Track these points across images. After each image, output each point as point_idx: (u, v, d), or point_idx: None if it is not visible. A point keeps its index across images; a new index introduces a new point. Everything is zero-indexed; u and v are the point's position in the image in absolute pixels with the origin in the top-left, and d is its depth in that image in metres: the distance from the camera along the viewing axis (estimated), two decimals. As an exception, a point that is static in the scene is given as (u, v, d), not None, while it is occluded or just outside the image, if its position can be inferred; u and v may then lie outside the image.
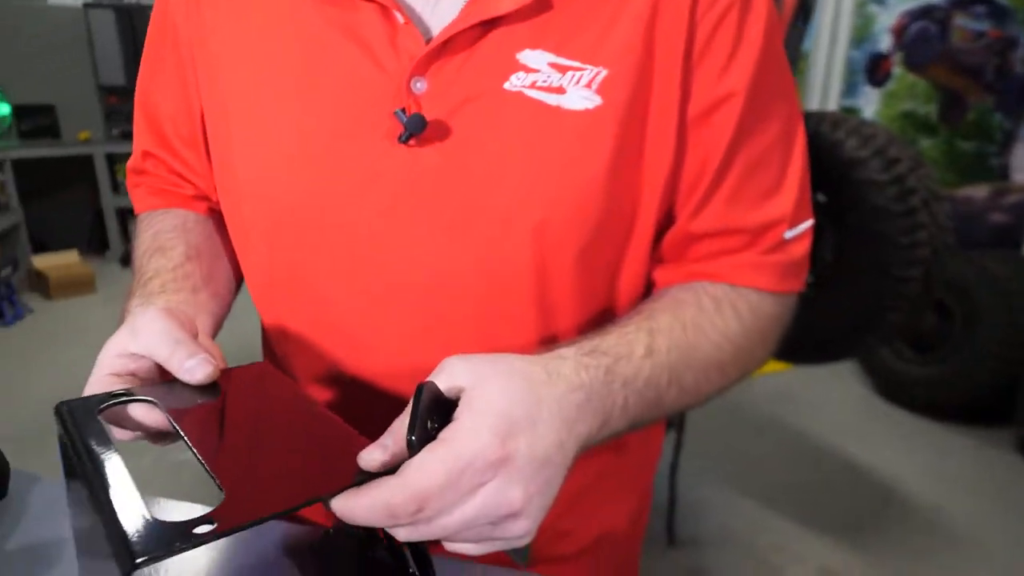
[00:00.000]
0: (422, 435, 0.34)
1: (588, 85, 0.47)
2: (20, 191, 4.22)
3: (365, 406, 0.53)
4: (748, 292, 0.54)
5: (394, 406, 0.53)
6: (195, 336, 0.45)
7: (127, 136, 4.70)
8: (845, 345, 1.70)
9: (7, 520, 0.56)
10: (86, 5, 4.57)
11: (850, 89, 3.31)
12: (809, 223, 0.55)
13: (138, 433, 0.43)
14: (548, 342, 0.53)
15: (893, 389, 2.73)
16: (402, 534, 0.34)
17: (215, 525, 0.30)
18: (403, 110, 0.47)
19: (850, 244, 1.61)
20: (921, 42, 3.07)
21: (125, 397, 0.41)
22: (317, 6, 0.50)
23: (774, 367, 2.95)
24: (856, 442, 2.45)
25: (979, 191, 2.92)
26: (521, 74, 0.47)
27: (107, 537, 0.30)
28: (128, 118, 4.80)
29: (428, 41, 0.48)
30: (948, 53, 2.97)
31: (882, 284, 1.57)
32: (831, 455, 2.39)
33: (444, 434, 0.34)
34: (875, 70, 3.27)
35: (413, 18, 0.49)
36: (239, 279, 0.65)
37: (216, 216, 0.66)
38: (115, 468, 0.34)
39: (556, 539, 0.62)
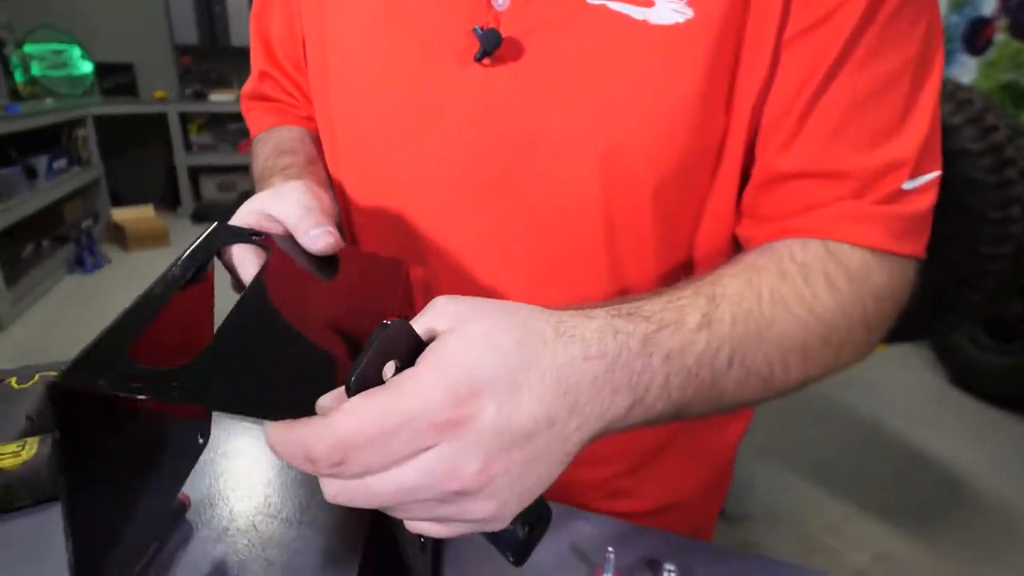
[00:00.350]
0: (367, 378, 0.28)
1: None
2: (100, 147, 4.43)
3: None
4: (849, 255, 0.44)
5: None
6: (329, 215, 0.46)
7: (199, 96, 4.87)
8: (918, 324, 1.62)
9: None
10: (164, -34, 4.71)
11: (945, 58, 3.09)
12: (936, 174, 0.46)
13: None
14: (620, 294, 0.51)
15: (968, 377, 2.61)
16: (330, 491, 0.28)
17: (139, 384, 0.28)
18: (481, 27, 0.46)
19: (936, 216, 1.52)
20: (1031, 6, 2.84)
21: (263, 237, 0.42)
22: None
23: (839, 349, 2.87)
24: (924, 430, 2.37)
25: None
26: None
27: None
28: (201, 79, 4.98)
29: None
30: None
31: (967, 260, 1.50)
32: (896, 442, 2.32)
33: (392, 380, 0.28)
34: (975, 37, 3.05)
35: None
36: None
37: None
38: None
39: (614, 495, 0.62)
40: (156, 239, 4.18)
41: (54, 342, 2.83)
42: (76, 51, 4.60)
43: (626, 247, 0.50)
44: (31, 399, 0.57)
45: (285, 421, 0.28)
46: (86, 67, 4.65)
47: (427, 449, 0.27)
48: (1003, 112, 1.54)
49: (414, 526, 0.31)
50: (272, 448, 0.28)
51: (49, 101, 4.16)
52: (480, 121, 0.49)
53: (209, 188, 5.11)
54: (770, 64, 0.44)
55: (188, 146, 4.91)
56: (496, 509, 0.29)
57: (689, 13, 0.42)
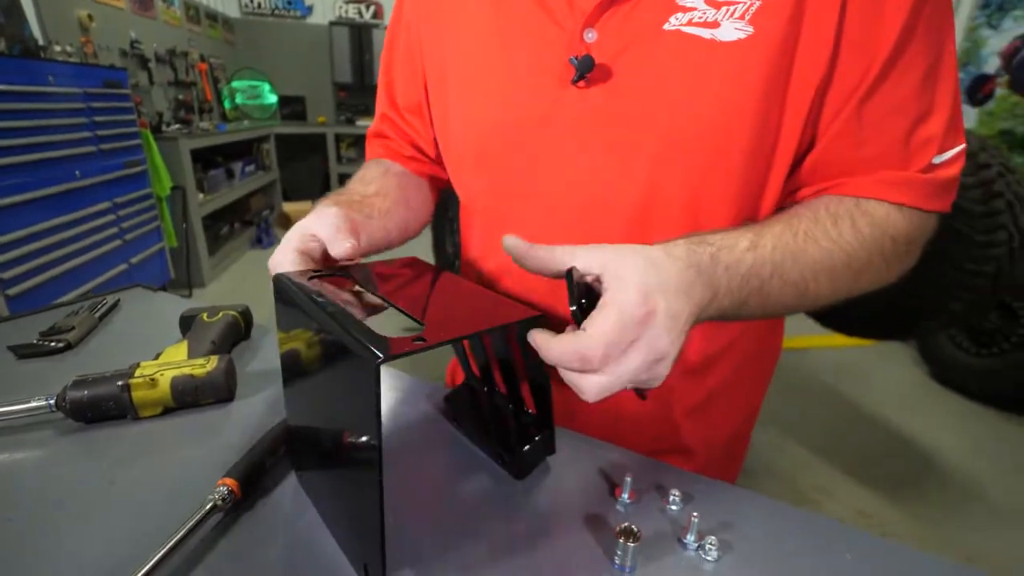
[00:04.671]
0: (580, 306, 0.34)
1: (741, 17, 0.41)
2: (278, 157, 4.66)
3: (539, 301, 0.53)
4: (876, 207, 0.44)
5: (556, 300, 0.51)
6: (355, 233, 0.45)
7: (350, 121, 5.04)
8: (906, 325, 1.50)
9: (248, 353, 0.64)
10: (331, 23, 4.90)
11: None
12: (960, 148, 0.45)
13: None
14: None
15: (947, 374, 2.38)
16: (593, 390, 0.33)
17: (426, 341, 0.30)
18: (576, 57, 0.45)
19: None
20: (1030, 66, 2.52)
21: (325, 274, 0.41)
22: None
23: (834, 341, 2.67)
24: (904, 414, 2.18)
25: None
26: (680, 14, 0.43)
27: (349, 346, 0.29)
28: (352, 109, 5.15)
29: None
30: (1057, 77, 2.43)
31: (952, 275, 1.37)
32: (881, 423, 2.14)
33: (604, 301, 0.33)
34: (977, 90, 2.75)
35: None
36: (418, 228, 0.61)
37: (418, 174, 0.65)
38: (334, 308, 0.33)
39: (662, 436, 0.59)
40: (313, 225, 4.39)
41: (238, 296, 3.04)
42: (266, 86, 4.86)
43: (706, 227, 0.46)
44: (215, 329, 0.61)
45: (546, 332, 0.34)
46: (272, 99, 4.91)
47: (639, 338, 0.32)
48: (996, 151, 1.38)
49: (621, 391, 0.34)
50: (540, 347, 0.34)
51: (245, 123, 4.44)
52: (578, 132, 0.48)
53: (352, 190, 5.33)
54: (826, 70, 0.42)
55: (339, 158, 5.12)
56: (670, 366, 0.34)
57: (750, 30, 0.41)
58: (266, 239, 4.01)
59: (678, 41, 0.43)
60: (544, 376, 0.41)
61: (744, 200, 0.47)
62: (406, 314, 0.35)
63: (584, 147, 0.48)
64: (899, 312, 1.45)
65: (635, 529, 0.36)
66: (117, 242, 2.33)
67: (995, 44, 2.63)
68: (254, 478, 0.41)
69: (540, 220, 0.52)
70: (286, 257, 0.42)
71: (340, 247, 0.43)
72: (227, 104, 4.54)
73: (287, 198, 4.78)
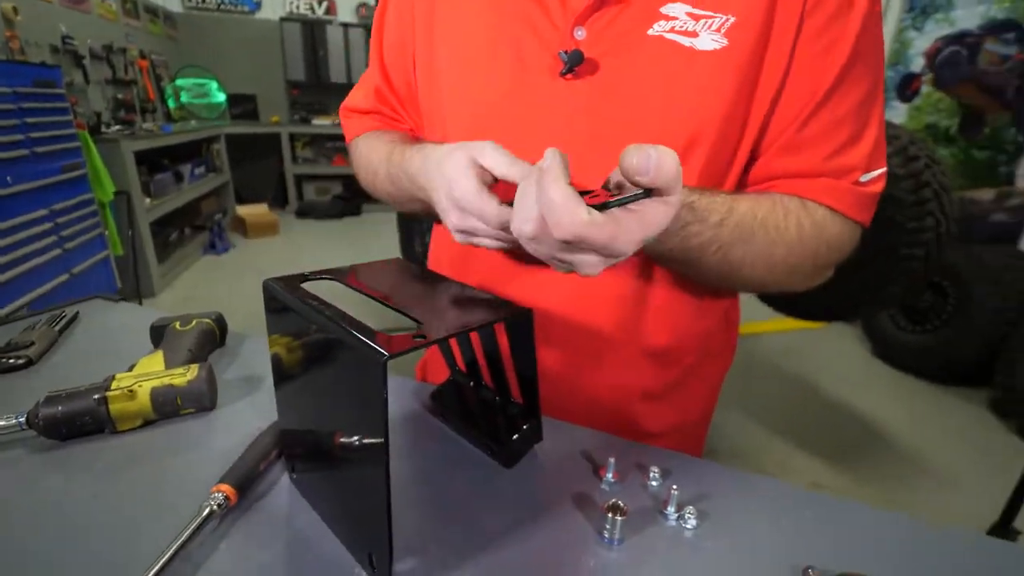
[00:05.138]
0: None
1: (718, 30, 0.45)
2: (229, 158, 4.50)
3: (511, 293, 0.55)
4: (815, 209, 0.48)
5: (533, 295, 0.53)
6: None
7: (305, 121, 4.91)
8: (850, 307, 1.61)
9: (225, 360, 0.63)
10: (281, 19, 4.75)
11: (879, 101, 2.99)
12: (882, 170, 0.50)
13: None
14: None
15: (887, 351, 2.55)
16: (596, 265, 0.34)
17: (427, 337, 0.31)
18: (565, 51, 0.47)
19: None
20: (951, 64, 2.73)
21: (312, 278, 0.40)
22: None
23: (785, 325, 2.82)
24: (850, 390, 2.33)
25: (986, 194, 2.62)
26: (663, 22, 0.46)
27: (353, 346, 0.29)
28: (307, 107, 5.02)
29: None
30: (975, 74, 2.64)
31: (889, 260, 1.47)
32: (828, 399, 2.28)
33: (634, 207, 0.33)
34: (905, 88, 2.95)
35: None
36: None
37: None
38: (331, 310, 0.34)
39: (638, 418, 0.61)
40: (269, 229, 4.27)
41: (192, 305, 2.93)
42: (214, 84, 4.68)
43: None
44: (190, 337, 0.60)
45: (599, 218, 0.32)
46: (221, 97, 4.73)
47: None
48: (924, 144, 1.49)
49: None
50: (586, 230, 0.32)
51: (193, 123, 4.25)
52: (565, 121, 0.50)
53: (309, 191, 5.19)
54: (779, 86, 0.46)
55: (295, 159, 4.98)
56: (599, 270, 0.35)
57: (725, 42, 0.45)
58: (220, 244, 3.86)
59: (660, 46, 0.46)
60: (532, 368, 0.43)
61: (712, 185, 0.50)
62: (403, 312, 0.36)
63: (570, 137, 0.50)
64: (844, 295, 1.55)
65: (622, 504, 0.38)
66: (57, 251, 2.19)
67: (920, 45, 2.83)
68: (248, 483, 0.41)
69: None
70: (468, 182, 0.41)
71: (525, 167, 0.41)
72: (171, 103, 4.34)
73: (241, 201, 4.62)
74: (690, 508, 0.40)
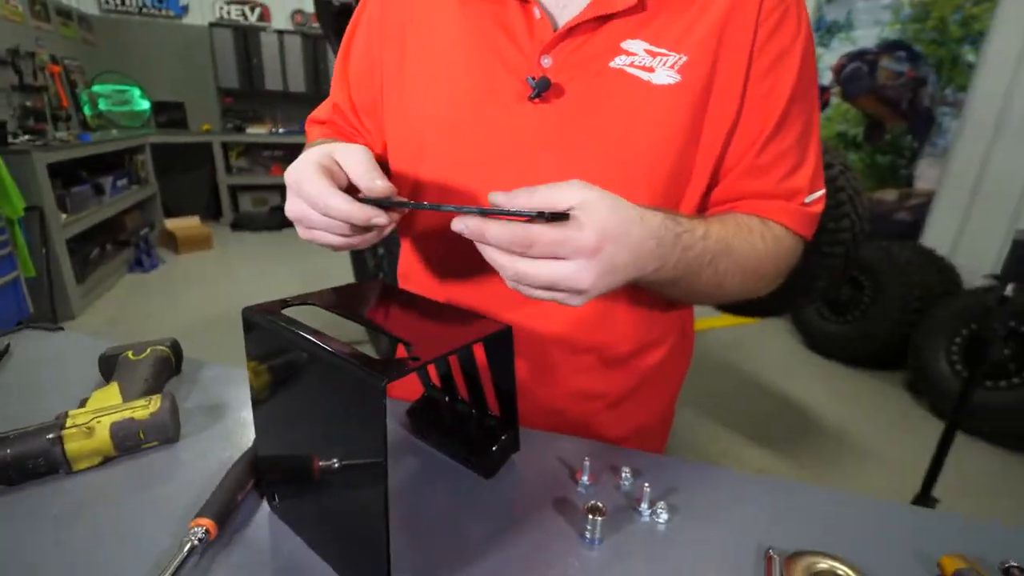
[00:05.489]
0: (542, 215, 0.36)
1: (672, 67, 0.49)
2: (156, 169, 4.24)
3: (477, 305, 0.57)
4: (774, 227, 0.53)
5: (500, 306, 0.55)
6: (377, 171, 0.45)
7: (239, 129, 4.70)
8: (782, 303, 1.73)
9: (184, 389, 0.61)
10: (211, 24, 4.53)
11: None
12: (822, 192, 0.55)
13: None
14: None
15: (816, 342, 2.77)
16: (519, 268, 0.36)
17: (420, 359, 0.32)
18: (533, 77, 0.50)
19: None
20: (854, 79, 3.01)
21: (297, 303, 0.40)
22: (479, 6, 0.53)
23: (724, 322, 3.00)
24: (786, 380, 2.50)
25: (890, 194, 2.90)
26: (623, 56, 0.49)
27: (350, 370, 0.30)
28: (240, 115, 4.81)
29: (556, 30, 0.50)
30: (875, 88, 2.93)
31: (812, 258, 1.60)
32: (768, 389, 2.44)
33: (573, 219, 0.36)
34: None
35: (546, 13, 0.51)
36: None
37: None
38: (320, 336, 0.34)
39: (597, 425, 0.63)
40: (202, 243, 4.05)
41: (118, 329, 2.73)
42: (136, 91, 4.39)
43: None
44: (146, 367, 0.57)
45: (495, 221, 0.35)
46: (144, 104, 4.44)
47: (573, 259, 0.36)
48: (837, 152, 1.64)
49: (525, 289, 0.38)
50: (500, 240, 0.35)
51: (114, 132, 3.97)
52: (532, 142, 0.52)
53: (245, 202, 4.97)
54: (734, 120, 0.51)
55: (229, 169, 4.75)
56: (582, 302, 0.38)
57: (679, 78, 0.49)
58: (147, 261, 3.62)
59: (621, 78, 0.49)
60: (511, 380, 0.45)
61: (670, 207, 0.53)
62: (390, 335, 0.36)
63: (537, 158, 0.52)
64: (776, 292, 1.67)
65: (600, 505, 0.41)
66: (-40, 275, 1.99)
67: (828, 60, 3.12)
68: (227, 515, 0.40)
69: None
70: (308, 170, 0.42)
71: (380, 185, 0.43)
72: (88, 111, 4.03)
73: (169, 214, 4.35)
74: (661, 504, 0.43)
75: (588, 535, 0.41)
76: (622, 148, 0.51)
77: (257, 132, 4.69)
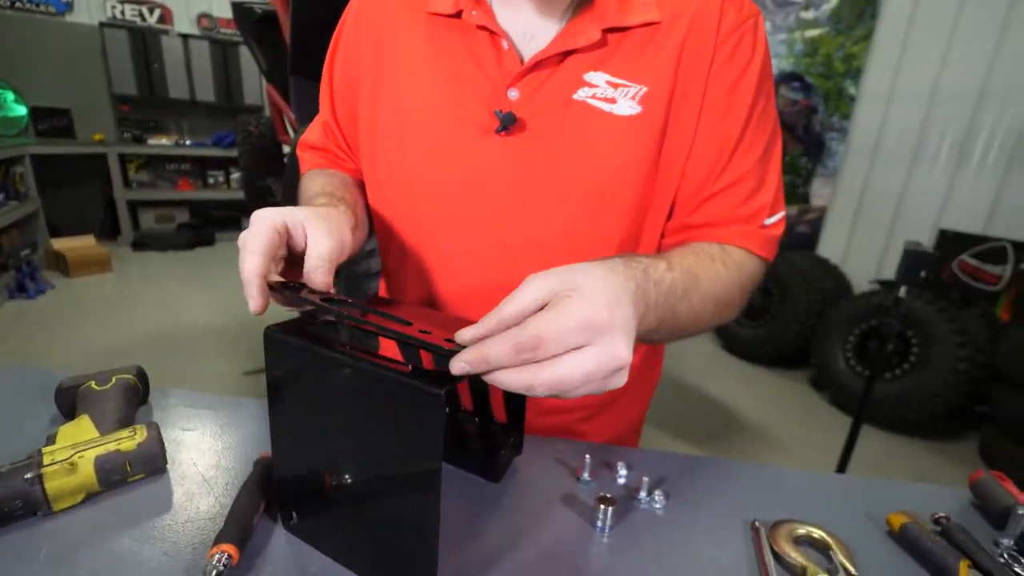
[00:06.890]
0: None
1: (633, 98, 0.51)
2: (38, 183, 3.79)
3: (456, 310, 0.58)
4: (734, 252, 0.54)
5: (478, 312, 0.57)
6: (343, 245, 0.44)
7: (138, 140, 4.34)
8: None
9: (155, 417, 0.60)
10: (102, 24, 4.16)
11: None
12: (783, 213, 0.57)
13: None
14: None
15: (732, 344, 3.04)
16: (524, 379, 0.31)
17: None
18: (500, 110, 0.52)
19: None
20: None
21: (320, 313, 0.38)
22: (451, 34, 0.55)
23: (653, 331, 3.18)
24: (709, 381, 2.71)
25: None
26: (586, 88, 0.52)
27: (406, 385, 0.31)
28: (140, 125, 4.44)
29: (523, 63, 0.53)
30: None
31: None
32: (692, 390, 2.63)
33: (554, 303, 0.32)
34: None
35: (514, 46, 0.54)
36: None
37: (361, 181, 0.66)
38: (357, 350, 0.34)
39: (574, 435, 0.66)
40: (99, 265, 3.66)
41: (10, 362, 2.37)
42: (10, 95, 3.90)
43: (602, 255, 0.46)
44: (114, 396, 0.54)
45: (480, 343, 0.31)
46: (20, 110, 3.95)
47: (592, 344, 0.31)
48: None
49: (578, 392, 0.33)
50: (503, 356, 0.31)
51: (-16, 141, 3.52)
52: (497, 175, 0.54)
53: (148, 220, 4.56)
54: (691, 147, 0.53)
55: (127, 183, 4.35)
56: (626, 376, 0.34)
57: (639, 109, 0.52)
58: (32, 286, 3.21)
59: (584, 110, 0.52)
60: None
61: (625, 245, 0.56)
62: (431, 346, 0.33)
63: (501, 190, 0.54)
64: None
65: (609, 496, 0.45)
66: None
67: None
68: (247, 538, 0.40)
69: (459, 253, 0.57)
70: (265, 224, 0.40)
71: (318, 280, 0.40)
72: (-51, 117, 3.54)
73: (56, 233, 3.89)
74: (657, 491, 0.48)
75: (600, 523, 0.45)
76: (586, 180, 0.53)
77: (160, 143, 4.35)
